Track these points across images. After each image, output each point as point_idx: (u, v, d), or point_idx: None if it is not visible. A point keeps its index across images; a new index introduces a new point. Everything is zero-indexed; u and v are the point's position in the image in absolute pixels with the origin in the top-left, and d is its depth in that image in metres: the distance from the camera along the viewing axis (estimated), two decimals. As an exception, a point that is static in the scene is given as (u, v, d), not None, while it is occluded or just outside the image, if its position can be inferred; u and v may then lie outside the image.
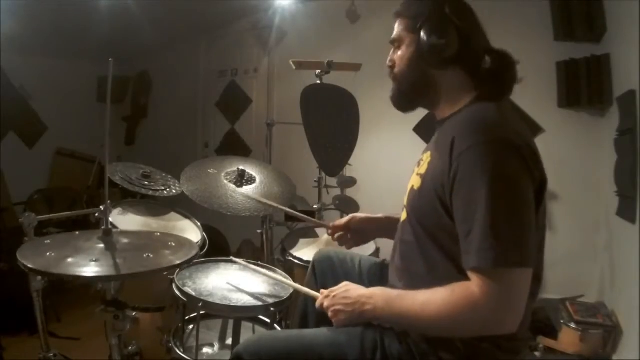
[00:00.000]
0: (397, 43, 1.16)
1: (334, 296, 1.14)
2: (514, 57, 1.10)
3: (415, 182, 1.11)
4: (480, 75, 1.08)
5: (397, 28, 1.16)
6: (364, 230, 1.48)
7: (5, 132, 4.04)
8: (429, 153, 1.11)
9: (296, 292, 1.51)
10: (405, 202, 1.17)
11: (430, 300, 0.96)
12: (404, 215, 1.18)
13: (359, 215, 1.48)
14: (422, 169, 1.09)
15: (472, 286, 0.91)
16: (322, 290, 1.20)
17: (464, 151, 0.93)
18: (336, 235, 1.50)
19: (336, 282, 1.38)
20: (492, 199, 0.88)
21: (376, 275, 1.36)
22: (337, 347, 1.08)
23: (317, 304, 1.19)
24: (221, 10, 3.90)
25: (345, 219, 1.48)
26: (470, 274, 0.93)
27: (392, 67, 1.18)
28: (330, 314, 1.13)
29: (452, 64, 1.08)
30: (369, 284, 1.31)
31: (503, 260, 0.87)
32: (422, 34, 1.07)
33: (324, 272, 1.43)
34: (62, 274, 1.05)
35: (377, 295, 1.08)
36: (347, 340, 1.08)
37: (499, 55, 1.09)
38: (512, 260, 0.88)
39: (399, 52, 1.15)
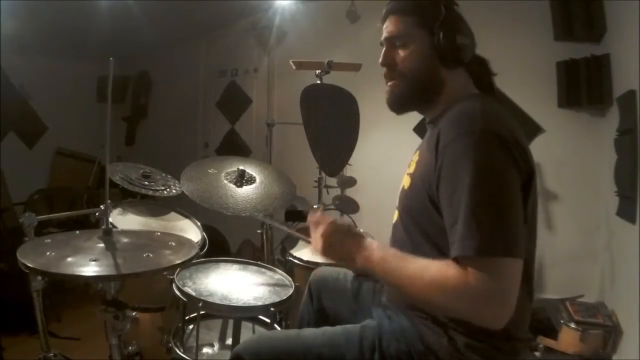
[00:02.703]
0: (400, 41, 1.10)
1: (337, 225, 1.11)
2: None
3: (405, 182, 1.12)
4: (478, 78, 1.12)
5: (399, 25, 1.11)
6: None
7: (5, 132, 4.04)
8: (418, 153, 1.12)
9: (296, 293, 1.51)
10: (397, 202, 1.18)
11: (424, 270, 0.93)
12: (395, 216, 1.18)
13: None
14: (412, 169, 1.10)
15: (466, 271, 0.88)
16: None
17: (448, 144, 0.94)
18: None
19: (332, 300, 1.39)
20: (475, 188, 0.88)
21: (369, 289, 1.35)
22: (335, 347, 1.08)
23: (313, 218, 1.15)
24: (221, 10, 3.90)
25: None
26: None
27: (390, 65, 1.13)
28: (321, 243, 1.10)
29: (462, 65, 1.09)
30: (361, 298, 1.32)
31: (486, 249, 0.85)
32: (442, 31, 1.05)
33: (320, 292, 1.43)
34: (61, 274, 1.04)
35: (375, 245, 1.05)
36: (345, 340, 1.08)
37: (482, 61, 1.15)
38: (496, 249, 0.86)
39: (405, 50, 1.10)
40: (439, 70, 1.09)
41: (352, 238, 1.08)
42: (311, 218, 1.16)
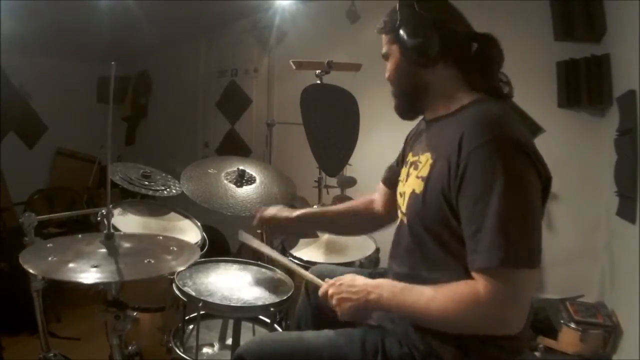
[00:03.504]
0: (386, 57, 1.19)
1: (340, 284, 1.12)
2: (496, 38, 1.11)
3: (416, 185, 1.08)
4: (469, 64, 1.10)
5: (383, 44, 1.19)
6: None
7: (5, 132, 4.04)
8: (427, 154, 1.08)
9: (296, 293, 1.51)
10: (403, 207, 1.14)
11: (436, 295, 0.95)
12: (401, 220, 1.16)
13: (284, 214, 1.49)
14: (424, 172, 1.07)
15: (478, 285, 0.90)
16: (327, 279, 1.19)
17: (474, 149, 0.92)
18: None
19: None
20: (503, 198, 0.87)
21: None
22: (338, 349, 1.08)
23: (321, 291, 1.16)
24: (221, 10, 3.90)
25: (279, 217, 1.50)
26: (476, 274, 0.92)
27: (388, 80, 1.21)
28: (334, 302, 1.11)
29: (440, 59, 1.08)
30: None
31: (512, 260, 0.86)
32: (400, 40, 1.09)
33: (317, 290, 1.43)
34: (63, 280, 1.04)
35: (383, 285, 1.06)
36: (348, 342, 1.08)
37: (485, 38, 1.11)
38: (520, 260, 0.87)
39: (389, 65, 1.18)
40: (417, 72, 1.11)
41: (358, 284, 1.09)
42: (322, 294, 1.16)
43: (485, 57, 1.09)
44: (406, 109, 1.20)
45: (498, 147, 0.91)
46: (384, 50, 1.19)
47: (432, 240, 1.03)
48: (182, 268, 1.18)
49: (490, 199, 0.88)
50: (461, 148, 0.95)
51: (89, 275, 1.06)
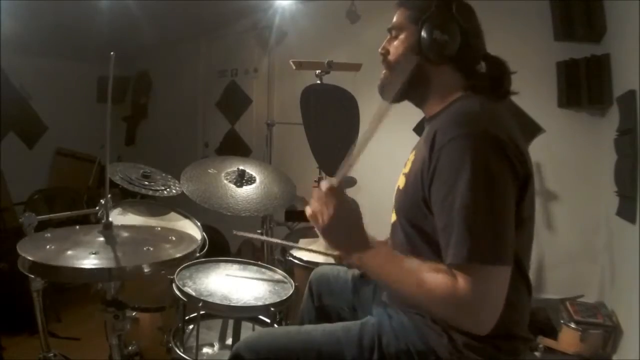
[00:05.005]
0: (395, 31, 1.15)
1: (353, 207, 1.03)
2: (509, 66, 1.10)
3: (400, 181, 1.11)
4: (473, 77, 1.09)
5: (397, 16, 1.15)
6: None
7: (5, 132, 4.04)
8: (414, 152, 1.11)
9: (296, 292, 1.52)
10: (393, 202, 1.16)
11: (417, 271, 0.93)
12: (393, 217, 1.17)
13: None
14: (407, 168, 1.09)
15: (455, 278, 0.88)
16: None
17: (444, 145, 0.92)
18: None
19: (332, 298, 1.39)
20: (469, 192, 0.86)
21: (370, 286, 1.35)
22: (335, 344, 1.08)
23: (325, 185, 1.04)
24: (221, 10, 3.90)
25: None
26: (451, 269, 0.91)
27: (384, 54, 1.17)
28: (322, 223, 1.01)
29: (449, 62, 1.08)
30: (361, 296, 1.31)
31: (477, 256, 0.85)
32: (425, 26, 1.06)
33: (320, 289, 1.43)
34: (61, 266, 1.04)
35: (378, 248, 1.03)
36: (345, 337, 1.08)
37: (496, 62, 1.10)
38: (486, 257, 0.85)
39: (396, 41, 1.14)
40: (421, 64, 1.09)
41: (360, 234, 1.02)
42: (325, 186, 1.03)
43: (493, 80, 1.09)
44: (390, 89, 1.13)
45: (468, 142, 0.90)
46: (396, 20, 1.14)
47: (416, 234, 1.03)
48: (180, 255, 1.17)
49: (457, 193, 0.88)
50: (434, 144, 0.95)
51: (87, 262, 1.07)
